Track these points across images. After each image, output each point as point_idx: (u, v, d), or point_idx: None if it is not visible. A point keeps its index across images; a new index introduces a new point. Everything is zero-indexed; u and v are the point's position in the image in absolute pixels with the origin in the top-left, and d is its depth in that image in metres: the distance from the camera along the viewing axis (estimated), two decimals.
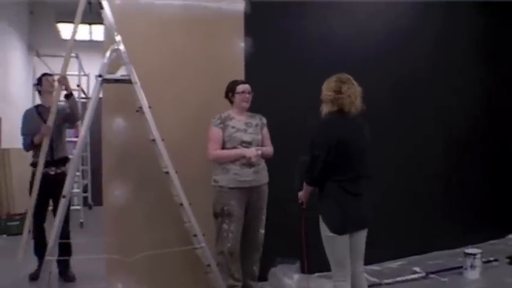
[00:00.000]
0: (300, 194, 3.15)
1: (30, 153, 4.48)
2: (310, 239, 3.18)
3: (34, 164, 4.30)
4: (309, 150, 2.86)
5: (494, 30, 5.69)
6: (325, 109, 2.93)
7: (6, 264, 4.97)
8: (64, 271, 4.47)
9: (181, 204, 3.41)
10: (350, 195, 2.85)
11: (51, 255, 3.26)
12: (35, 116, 4.47)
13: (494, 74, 5.70)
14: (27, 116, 4.53)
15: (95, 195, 7.86)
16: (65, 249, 4.24)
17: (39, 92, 4.60)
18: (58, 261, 4.25)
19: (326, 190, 2.89)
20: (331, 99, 2.89)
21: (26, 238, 3.86)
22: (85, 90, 8.08)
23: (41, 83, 4.55)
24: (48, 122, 3.93)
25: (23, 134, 4.44)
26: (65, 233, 4.22)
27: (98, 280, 4.14)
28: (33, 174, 4.27)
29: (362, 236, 3.02)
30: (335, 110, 2.89)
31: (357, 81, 2.93)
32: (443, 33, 5.31)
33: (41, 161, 3.82)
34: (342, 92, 2.86)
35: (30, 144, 4.31)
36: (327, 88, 2.93)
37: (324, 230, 2.88)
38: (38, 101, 6.51)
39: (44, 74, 4.65)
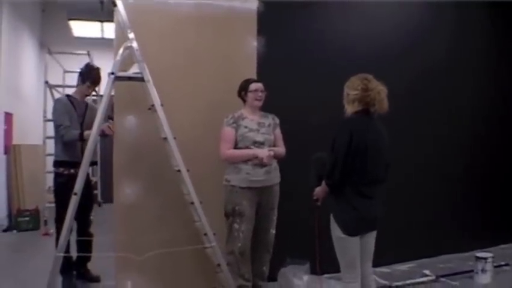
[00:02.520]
0: (317, 190, 3.11)
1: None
2: (323, 237, 3.15)
3: (58, 164, 4.14)
4: (330, 150, 2.82)
5: (507, 29, 5.64)
6: (349, 109, 2.89)
7: (17, 260, 5.00)
8: (82, 272, 4.35)
9: (192, 203, 3.40)
10: (363, 197, 2.83)
11: (62, 252, 3.25)
12: (71, 107, 4.18)
13: (508, 74, 5.65)
14: (64, 106, 4.16)
15: (104, 193, 7.87)
16: (85, 250, 4.15)
17: (83, 81, 4.29)
18: (76, 263, 4.24)
19: (340, 191, 2.86)
20: (358, 98, 2.83)
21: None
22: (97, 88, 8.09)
23: (93, 75, 4.32)
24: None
25: (62, 124, 4.04)
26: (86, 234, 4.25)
27: (108, 278, 4.15)
28: (58, 175, 4.12)
29: (372, 237, 3.02)
30: (360, 110, 2.85)
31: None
32: (457, 33, 5.26)
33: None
34: (370, 89, 2.81)
35: (78, 139, 3.99)
36: (352, 87, 2.88)
37: (336, 231, 2.86)
38: (49, 98, 6.63)
39: (95, 66, 4.45)
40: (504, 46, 5.64)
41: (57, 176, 4.17)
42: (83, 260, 4.29)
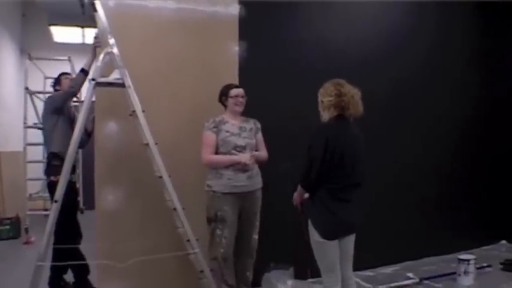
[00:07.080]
0: (294, 195, 3.15)
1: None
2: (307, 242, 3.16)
3: (58, 156, 3.99)
4: (307, 154, 2.83)
5: (490, 29, 5.71)
6: (325, 116, 2.91)
7: None
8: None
9: (174, 209, 3.37)
10: (340, 202, 2.85)
11: (43, 261, 3.19)
12: None
13: (492, 74, 5.73)
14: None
15: (86, 200, 7.77)
16: (80, 266, 3.99)
17: (56, 91, 4.36)
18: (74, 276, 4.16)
19: (317, 196, 2.89)
20: (332, 104, 2.85)
21: None
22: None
23: (60, 83, 4.35)
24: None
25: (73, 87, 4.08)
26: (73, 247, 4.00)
27: None
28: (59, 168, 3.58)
29: (351, 240, 3.03)
30: (336, 115, 2.86)
31: (353, 86, 2.91)
32: (439, 35, 5.33)
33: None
34: (343, 94, 2.83)
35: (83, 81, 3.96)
36: (326, 94, 2.90)
37: (314, 236, 2.88)
38: (29, 104, 6.56)
39: (63, 74, 4.47)
40: (488, 45, 5.71)
41: (57, 168, 3.71)
42: (83, 273, 4.13)
